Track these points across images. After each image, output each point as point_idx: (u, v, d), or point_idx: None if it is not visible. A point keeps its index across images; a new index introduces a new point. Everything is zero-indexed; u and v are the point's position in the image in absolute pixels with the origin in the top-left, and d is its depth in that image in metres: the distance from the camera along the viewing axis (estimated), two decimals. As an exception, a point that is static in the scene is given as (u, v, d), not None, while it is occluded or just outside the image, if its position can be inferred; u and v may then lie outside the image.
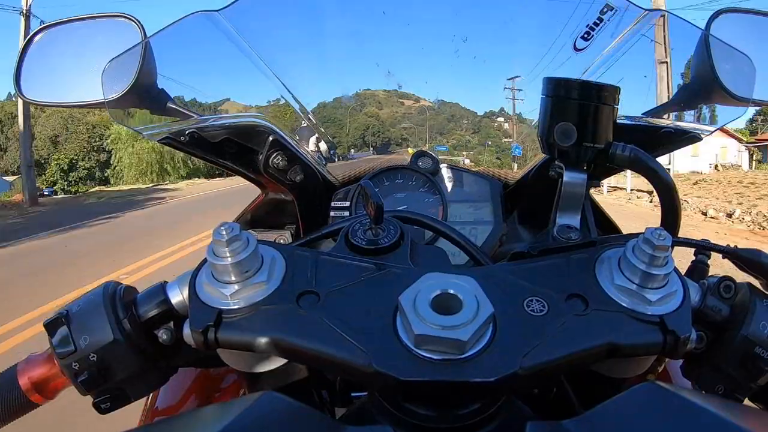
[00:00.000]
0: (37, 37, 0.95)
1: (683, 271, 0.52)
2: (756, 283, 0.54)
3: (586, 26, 0.80)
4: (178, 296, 0.51)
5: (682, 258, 0.55)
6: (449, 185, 0.97)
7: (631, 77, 0.82)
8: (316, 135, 1.19)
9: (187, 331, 0.44)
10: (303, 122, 1.12)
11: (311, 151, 1.15)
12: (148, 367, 0.51)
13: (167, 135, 0.82)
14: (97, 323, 0.48)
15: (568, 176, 0.58)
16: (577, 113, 0.55)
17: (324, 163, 1.07)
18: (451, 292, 0.41)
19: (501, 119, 1.26)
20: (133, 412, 0.72)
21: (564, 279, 0.46)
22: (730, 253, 0.56)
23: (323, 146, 1.22)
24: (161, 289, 0.52)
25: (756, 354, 0.47)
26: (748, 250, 0.56)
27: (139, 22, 0.84)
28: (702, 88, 0.78)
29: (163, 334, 0.51)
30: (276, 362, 0.51)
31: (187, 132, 0.81)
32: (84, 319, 0.49)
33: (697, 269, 0.58)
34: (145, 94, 0.83)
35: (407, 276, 0.45)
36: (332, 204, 0.94)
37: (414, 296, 0.40)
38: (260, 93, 0.99)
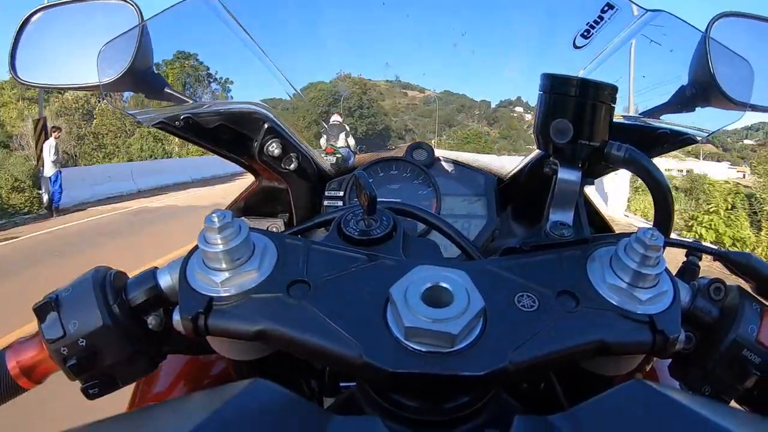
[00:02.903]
0: (33, 18, 0.94)
1: (674, 272, 0.53)
2: (746, 286, 0.54)
3: (586, 24, 0.80)
4: (168, 282, 0.51)
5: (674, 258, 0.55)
6: (444, 178, 0.97)
7: (629, 76, 0.82)
8: (346, 131, 1.21)
9: (176, 318, 0.44)
10: (332, 118, 1.13)
11: (341, 146, 1.16)
12: (138, 353, 0.51)
13: (162, 120, 0.82)
14: (87, 308, 0.48)
15: (562, 173, 0.58)
16: (574, 111, 0.55)
17: (352, 155, 1.07)
18: (443, 285, 0.41)
19: (520, 109, 1.23)
20: (122, 398, 0.72)
21: (555, 275, 0.46)
22: (721, 255, 0.56)
23: (351, 141, 1.25)
24: (152, 274, 0.51)
25: (743, 356, 0.48)
26: (739, 254, 0.56)
27: (137, 5, 0.83)
28: (700, 90, 0.78)
29: (152, 320, 0.51)
30: (265, 350, 0.51)
31: (182, 117, 0.81)
32: (74, 303, 0.49)
33: (688, 270, 0.58)
34: (141, 78, 0.83)
35: (399, 268, 0.45)
36: (326, 193, 0.94)
37: (405, 288, 0.40)
38: (256, 80, 0.99)
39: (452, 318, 0.38)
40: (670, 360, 0.53)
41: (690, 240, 0.58)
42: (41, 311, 0.48)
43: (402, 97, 1.29)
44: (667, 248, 0.53)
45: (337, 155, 1.30)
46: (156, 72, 0.85)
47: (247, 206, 1.03)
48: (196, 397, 0.37)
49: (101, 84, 0.78)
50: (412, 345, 0.39)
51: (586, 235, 0.55)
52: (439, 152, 1.05)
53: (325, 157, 1.25)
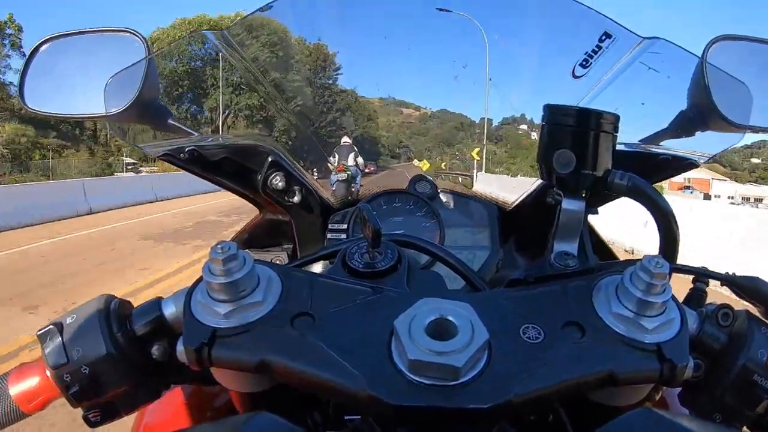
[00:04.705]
0: (41, 48, 0.96)
1: (681, 298, 0.52)
2: (754, 310, 0.54)
3: (585, 53, 0.81)
4: (173, 313, 0.51)
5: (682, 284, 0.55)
6: (447, 210, 0.97)
7: (629, 104, 0.83)
8: (355, 151, 1.24)
9: (180, 348, 0.44)
10: (342, 140, 1.16)
11: (350, 165, 1.18)
12: (140, 383, 0.51)
13: (167, 152, 0.83)
14: (91, 336, 0.48)
15: (566, 203, 0.58)
16: (577, 141, 0.55)
17: (359, 173, 1.08)
18: (447, 317, 0.41)
19: (525, 127, 1.22)
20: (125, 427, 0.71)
21: (561, 306, 0.46)
22: (728, 280, 0.56)
23: (360, 160, 1.32)
24: (156, 304, 0.52)
25: (754, 381, 0.47)
26: (747, 278, 0.56)
27: (143, 38, 0.85)
28: (699, 114, 0.78)
29: (156, 350, 0.51)
30: (269, 383, 0.50)
31: (187, 149, 0.82)
32: (78, 331, 0.49)
33: (695, 296, 0.57)
34: (147, 110, 0.84)
35: (403, 300, 0.45)
36: (329, 226, 0.94)
37: (409, 321, 0.40)
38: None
39: (456, 351, 0.38)
40: (680, 388, 0.53)
41: (696, 266, 0.57)
42: (45, 337, 0.49)
43: (397, 114, 1.30)
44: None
45: (347, 172, 1.35)
46: (161, 104, 0.86)
47: (251, 238, 1.03)
48: (200, 429, 0.36)
49: (107, 114, 0.79)
50: (416, 378, 0.39)
51: (591, 265, 0.55)
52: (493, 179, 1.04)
53: (335, 175, 1.30)
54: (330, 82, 1.19)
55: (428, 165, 1.31)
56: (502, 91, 0.99)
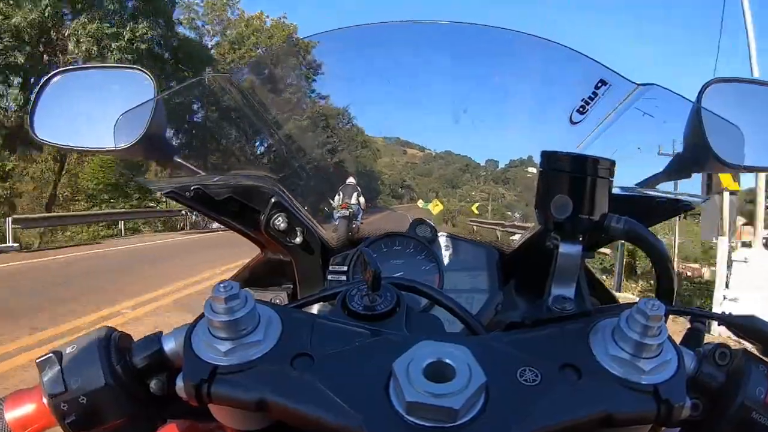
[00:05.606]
0: (53, 80, 0.99)
1: (680, 340, 0.53)
2: (752, 348, 0.54)
3: (581, 100, 0.83)
4: (173, 348, 0.51)
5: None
6: (446, 253, 0.98)
7: (625, 149, 0.85)
8: (358, 191, 1.29)
9: (180, 384, 0.45)
10: (348, 180, 1.19)
11: (352, 204, 1.21)
12: (137, 416, 0.51)
13: (172, 189, 0.84)
14: (90, 367, 0.49)
15: (563, 248, 0.58)
16: (573, 186, 0.56)
17: (361, 211, 1.10)
18: (445, 360, 0.41)
19: (533, 169, 1.21)
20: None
21: (558, 349, 0.47)
22: (725, 320, 0.57)
23: (362, 200, 1.40)
24: (157, 339, 0.52)
25: (753, 419, 0.48)
26: (743, 317, 0.56)
27: (152, 76, 0.87)
28: (694, 157, 0.80)
29: (155, 384, 0.52)
30: (267, 421, 0.50)
31: (192, 188, 0.83)
32: (77, 361, 0.49)
33: (693, 337, 0.58)
34: (154, 147, 0.86)
35: (402, 343, 0.45)
36: (330, 267, 0.95)
37: (407, 363, 0.41)
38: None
39: (454, 393, 0.39)
40: (679, 428, 0.53)
41: (694, 307, 0.58)
42: (44, 365, 0.49)
43: (401, 155, 1.32)
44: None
45: (350, 210, 1.41)
46: (168, 141, 0.88)
47: (253, 277, 1.04)
48: None
49: (116, 149, 0.81)
50: (413, 420, 0.39)
51: (588, 308, 0.55)
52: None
53: (338, 212, 1.35)
54: (308, 81, 1.19)
55: (441, 206, 1.30)
56: (502, 135, 1.01)
